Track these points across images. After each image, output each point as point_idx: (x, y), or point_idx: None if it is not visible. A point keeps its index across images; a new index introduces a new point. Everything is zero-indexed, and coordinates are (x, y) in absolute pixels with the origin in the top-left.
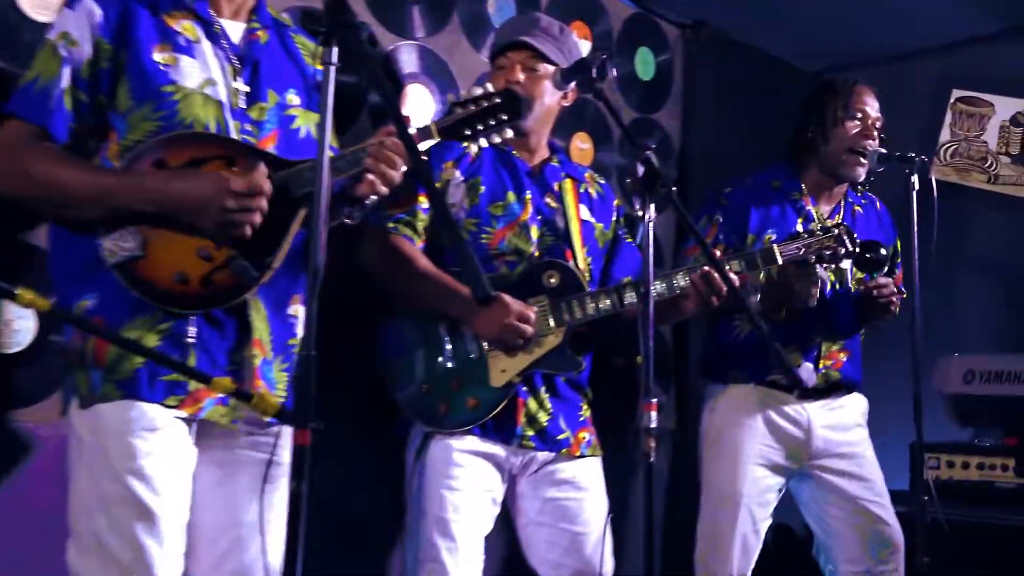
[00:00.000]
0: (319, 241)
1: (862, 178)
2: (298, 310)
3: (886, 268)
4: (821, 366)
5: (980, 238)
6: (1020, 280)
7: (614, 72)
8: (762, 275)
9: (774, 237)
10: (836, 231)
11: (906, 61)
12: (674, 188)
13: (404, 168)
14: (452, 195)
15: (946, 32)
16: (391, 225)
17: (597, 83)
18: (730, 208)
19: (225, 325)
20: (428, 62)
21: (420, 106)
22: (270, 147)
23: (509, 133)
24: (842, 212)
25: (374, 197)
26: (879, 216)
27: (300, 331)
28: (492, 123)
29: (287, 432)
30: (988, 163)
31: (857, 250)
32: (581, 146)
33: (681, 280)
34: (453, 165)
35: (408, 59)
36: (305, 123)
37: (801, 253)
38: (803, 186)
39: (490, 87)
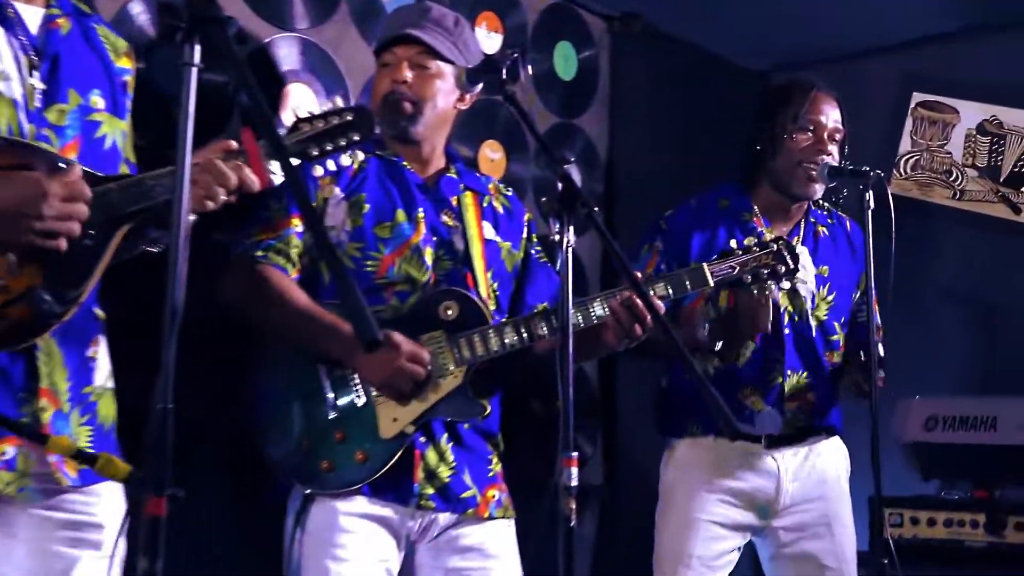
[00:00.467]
0: (178, 273)
1: (817, 195)
2: (98, 352)
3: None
4: (786, 409)
5: (945, 262)
6: (990, 310)
7: (529, 70)
8: (709, 307)
9: None
10: (774, 246)
11: (861, 59)
12: (596, 209)
13: (236, 185)
14: (331, 216)
15: (906, 28)
16: (259, 253)
17: (508, 85)
18: (671, 234)
19: (9, 371)
20: (311, 57)
21: (302, 109)
22: (72, 157)
23: (360, 156)
24: (801, 234)
25: (192, 217)
26: (849, 238)
27: (100, 377)
28: (343, 143)
29: (107, 491)
30: (953, 177)
31: (799, 268)
32: (491, 156)
33: (599, 308)
34: (331, 181)
35: (288, 54)
36: (111, 131)
37: (735, 272)
38: (754, 205)
39: (339, 101)
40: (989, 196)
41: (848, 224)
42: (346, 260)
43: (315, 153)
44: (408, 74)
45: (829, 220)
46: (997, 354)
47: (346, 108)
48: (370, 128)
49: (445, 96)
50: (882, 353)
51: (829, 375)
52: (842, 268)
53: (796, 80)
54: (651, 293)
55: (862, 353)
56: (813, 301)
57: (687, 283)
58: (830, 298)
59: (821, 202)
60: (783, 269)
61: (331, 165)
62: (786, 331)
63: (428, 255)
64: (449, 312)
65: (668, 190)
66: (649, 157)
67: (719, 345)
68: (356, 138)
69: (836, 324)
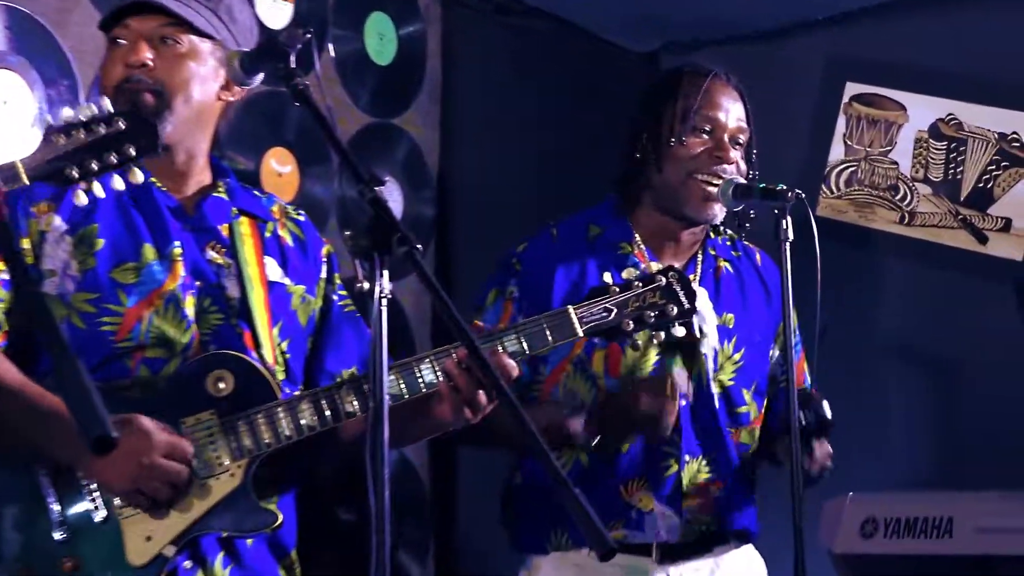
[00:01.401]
0: None
1: (717, 218)
2: None
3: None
4: (684, 508)
5: (889, 307)
6: (949, 371)
7: (331, 52)
8: (576, 375)
9: None
10: (662, 280)
11: (776, 39)
12: (419, 247)
13: None
14: (50, 257)
15: None
16: None
17: (297, 75)
18: (527, 274)
19: None
20: (24, 34)
21: (10, 108)
22: None
23: (139, 176)
24: (698, 271)
25: None
26: (760, 276)
27: None
28: (114, 160)
29: None
30: (900, 194)
31: (695, 308)
32: (279, 169)
33: (429, 373)
34: (50, 207)
35: None
36: None
37: (610, 317)
38: (635, 233)
39: (107, 105)
40: (947, 220)
41: (759, 258)
42: (74, 318)
43: (75, 175)
44: (148, 54)
45: (734, 253)
46: (957, 431)
47: (118, 113)
48: (153, 140)
49: (203, 83)
50: (828, 413)
51: (739, 461)
52: (753, 317)
53: (686, 66)
54: (499, 350)
55: (803, 415)
56: (716, 361)
57: (548, 334)
58: (737, 357)
59: (723, 229)
60: (675, 310)
61: (98, 191)
62: (681, 402)
63: (189, 306)
64: (221, 385)
65: (521, 214)
66: (496, 169)
67: (597, 440)
68: (132, 153)
69: (745, 392)
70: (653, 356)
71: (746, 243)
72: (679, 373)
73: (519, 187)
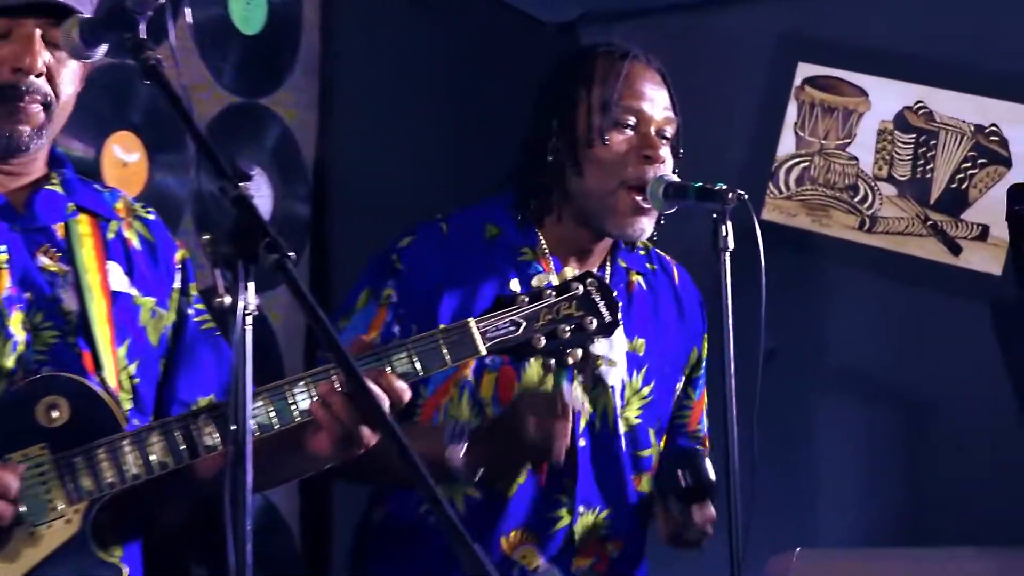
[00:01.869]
0: None
1: (645, 235)
2: None
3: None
4: (575, 569)
5: (846, 330)
6: (915, 407)
7: (188, 18)
8: (464, 398)
9: None
10: (579, 287)
11: (716, 9)
12: (292, 254)
13: None
14: None
15: None
16: None
17: (147, 48)
18: (410, 276)
19: None
20: None
21: None
22: None
23: None
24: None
25: None
26: (676, 295)
27: None
28: None
29: None
30: (860, 195)
31: (618, 320)
32: (124, 157)
33: (303, 398)
34: None
35: None
36: None
37: (518, 332)
38: (540, 237)
39: None
40: (914, 226)
41: (676, 273)
42: None
43: None
44: (44, 58)
45: (648, 266)
46: (924, 476)
47: None
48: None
49: (77, 84)
50: (711, 474)
51: (637, 515)
52: (666, 344)
53: (599, 46)
54: (388, 371)
55: (681, 475)
56: (623, 395)
57: (445, 351)
58: (646, 391)
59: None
60: (594, 323)
61: None
62: (581, 442)
63: (16, 323)
64: (54, 414)
65: (415, 212)
66: (385, 160)
67: (480, 472)
68: None
69: (651, 431)
70: (551, 384)
71: (661, 254)
72: (572, 389)
73: (412, 181)
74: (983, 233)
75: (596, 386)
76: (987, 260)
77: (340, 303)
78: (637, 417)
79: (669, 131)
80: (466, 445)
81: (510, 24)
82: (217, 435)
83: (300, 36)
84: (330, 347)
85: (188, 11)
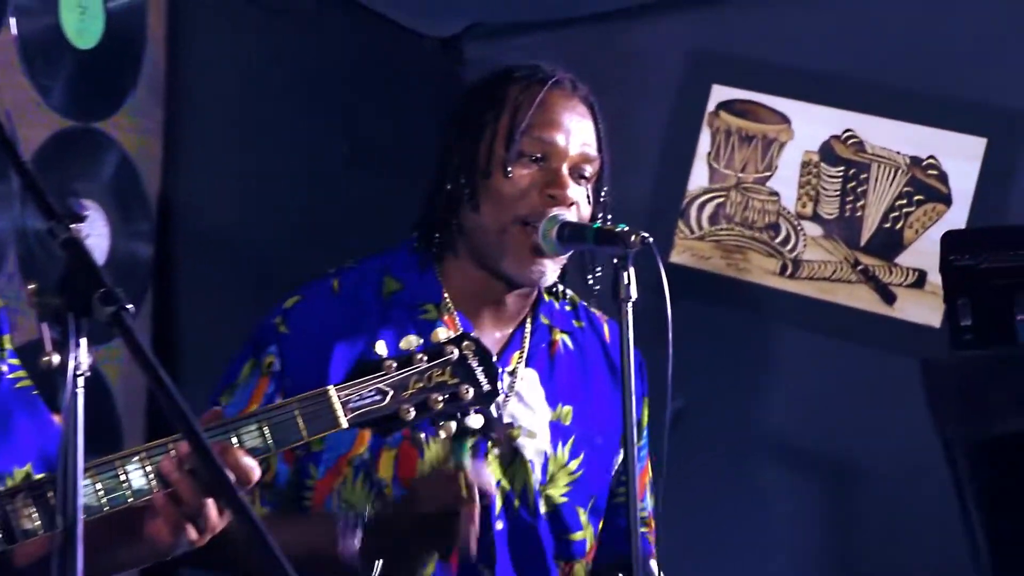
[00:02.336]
0: None
1: (546, 279)
2: None
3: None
4: None
5: (767, 385)
6: (840, 467)
7: (12, 31)
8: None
9: None
10: (452, 351)
11: (619, 25)
12: (131, 307)
13: None
14: None
15: None
16: None
17: None
18: (296, 341)
19: None
20: None
21: None
22: None
23: None
24: (526, 347)
25: None
26: (607, 355)
27: None
28: None
29: None
30: (782, 236)
31: (501, 392)
32: None
33: (137, 475)
34: None
35: None
36: None
37: (385, 402)
38: (445, 292)
39: None
40: (843, 271)
41: (607, 331)
42: None
43: None
44: None
45: (575, 323)
46: (853, 549)
47: None
48: None
49: None
50: (654, 571)
51: None
52: (597, 411)
53: (518, 69)
54: (235, 445)
55: None
56: (545, 470)
57: (300, 423)
58: (573, 465)
59: (562, 289)
60: (470, 393)
61: None
62: (498, 525)
63: None
64: None
65: (276, 254)
66: (241, 194)
67: (378, 567)
68: None
69: (581, 512)
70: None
71: (591, 310)
72: (478, 465)
73: (273, 218)
74: (920, 279)
75: (514, 460)
76: (925, 310)
77: (218, 381)
78: (563, 495)
79: (588, 170)
80: (361, 536)
81: (386, 38)
82: (38, 517)
83: (143, 51)
84: (172, 413)
85: (12, 21)
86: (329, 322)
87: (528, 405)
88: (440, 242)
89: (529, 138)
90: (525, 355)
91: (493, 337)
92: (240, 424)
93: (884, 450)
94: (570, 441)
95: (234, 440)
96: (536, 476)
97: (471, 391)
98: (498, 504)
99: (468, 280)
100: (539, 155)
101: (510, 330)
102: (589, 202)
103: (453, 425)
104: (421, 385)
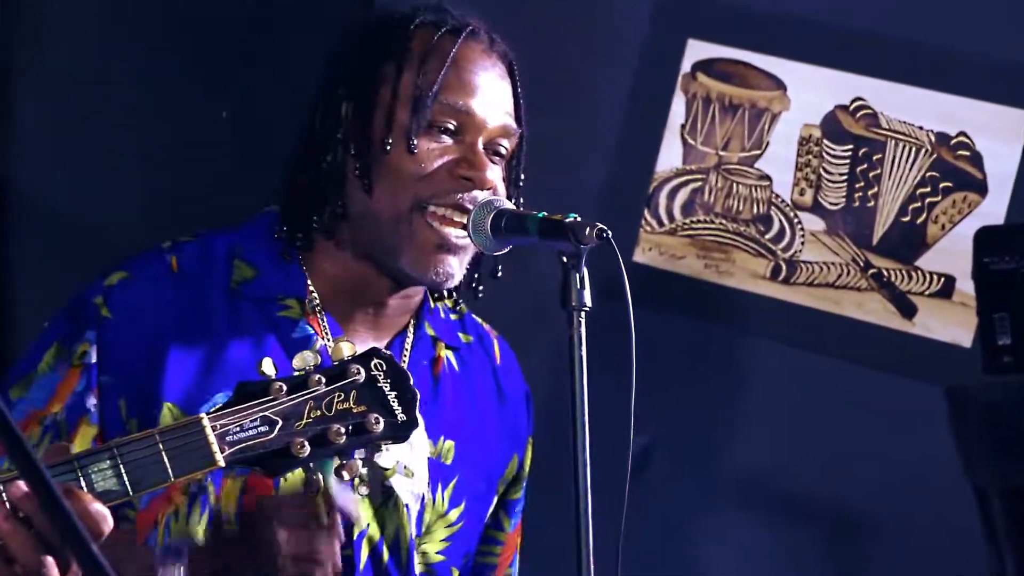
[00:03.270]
0: None
1: (452, 281)
2: None
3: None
4: None
5: (756, 416)
6: (846, 517)
7: None
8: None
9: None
10: (358, 371)
11: None
12: None
13: None
14: None
15: None
16: None
17: None
18: (118, 328)
19: None
20: None
21: None
22: None
23: None
24: (405, 361)
25: None
26: (496, 376)
27: None
28: None
29: None
30: (774, 230)
31: (415, 420)
32: None
33: None
34: None
35: None
36: None
37: (272, 435)
38: (311, 285)
39: None
40: (850, 275)
41: (497, 349)
42: None
43: None
44: None
45: (462, 336)
46: None
47: None
48: None
49: None
50: None
51: None
52: (483, 449)
53: (421, 12)
54: (81, 489)
55: None
56: (421, 519)
57: (167, 463)
58: (454, 515)
59: (446, 293)
60: (380, 425)
61: None
62: (361, 564)
63: None
64: None
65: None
66: (85, 166)
67: None
68: None
69: (455, 573)
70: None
71: (478, 321)
72: (343, 488)
73: (130, 201)
74: (946, 287)
75: (386, 502)
76: (952, 325)
77: (11, 370)
78: (439, 552)
79: (505, 145)
80: (184, 568)
81: None
82: None
83: None
84: (5, 441)
85: None
86: (164, 310)
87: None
88: (309, 225)
89: (440, 105)
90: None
91: (366, 345)
92: (89, 460)
93: (897, 495)
94: (451, 484)
95: (81, 481)
96: (410, 527)
97: (381, 421)
98: (363, 555)
99: (344, 273)
100: (451, 126)
101: (387, 339)
102: (506, 186)
103: (358, 465)
104: (319, 414)
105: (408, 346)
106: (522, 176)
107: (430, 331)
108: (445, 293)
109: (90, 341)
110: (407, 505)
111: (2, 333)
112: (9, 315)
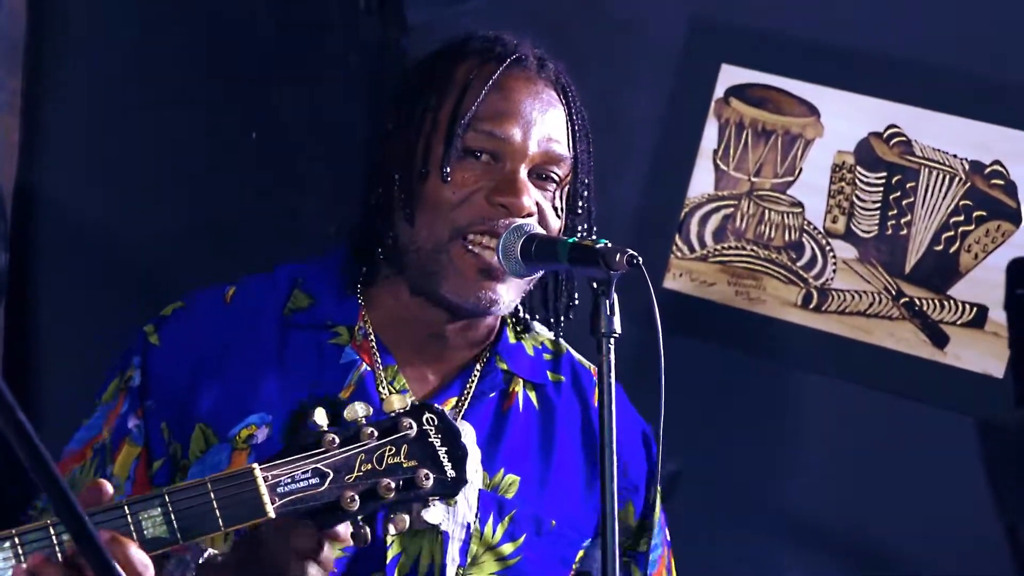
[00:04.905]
0: None
1: (500, 305)
2: None
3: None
4: None
5: (789, 447)
6: (880, 552)
7: None
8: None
9: (266, 438)
10: (410, 427)
11: None
12: None
13: None
14: None
15: None
16: None
17: None
18: (164, 355)
19: None
20: None
21: None
22: None
23: None
24: (468, 396)
25: None
26: (590, 422)
27: None
28: None
29: None
30: (806, 258)
31: (465, 478)
32: None
33: (2, 566)
34: None
35: None
36: None
37: (323, 487)
38: (364, 315)
39: None
40: (883, 304)
41: (583, 385)
42: None
43: None
44: None
45: (551, 376)
46: None
47: None
48: None
49: None
50: None
51: None
52: (559, 488)
53: (470, 40)
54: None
55: None
56: (466, 549)
57: (217, 513)
58: (508, 548)
59: (530, 323)
60: (429, 480)
61: None
62: None
63: None
64: None
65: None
66: (115, 184)
67: None
68: None
69: None
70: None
71: (580, 360)
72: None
73: (158, 218)
74: (979, 317)
75: (421, 530)
76: (984, 356)
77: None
78: None
79: (556, 172)
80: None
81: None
82: None
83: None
84: (40, 478)
85: None
86: (211, 338)
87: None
88: (374, 260)
89: (475, 132)
90: (464, 405)
91: (423, 376)
92: (140, 507)
93: (928, 530)
94: (507, 518)
95: (131, 528)
96: (453, 555)
97: (431, 478)
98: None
99: (400, 304)
100: (488, 152)
101: (451, 370)
102: (559, 213)
103: (407, 519)
104: (369, 467)
105: (473, 380)
106: (580, 204)
107: (502, 364)
108: (531, 324)
109: (135, 366)
110: (446, 532)
111: (28, 343)
112: (35, 325)
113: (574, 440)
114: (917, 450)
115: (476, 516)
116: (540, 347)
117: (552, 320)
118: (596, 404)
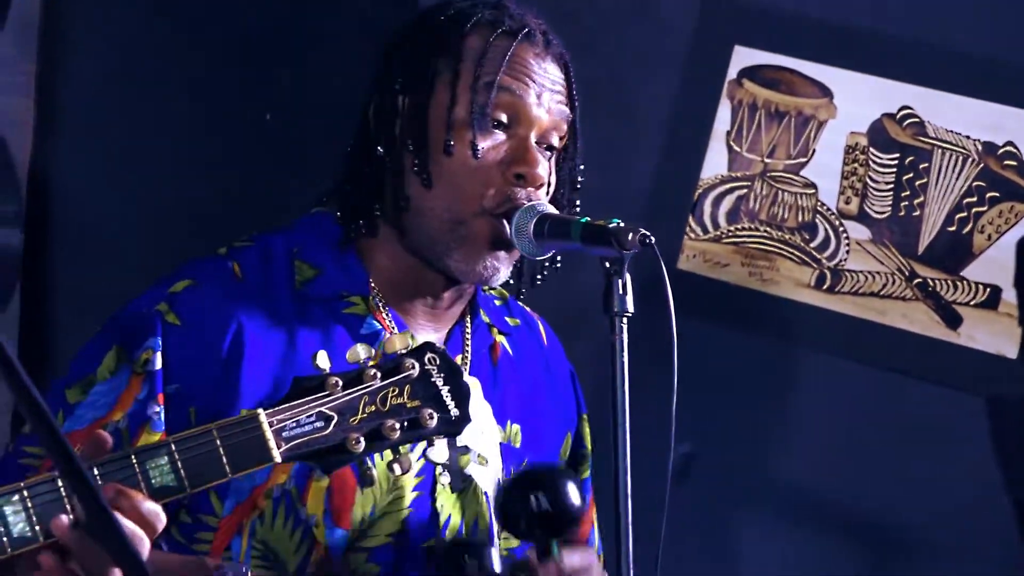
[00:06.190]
0: None
1: (497, 277)
2: None
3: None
4: None
5: (800, 427)
6: (891, 534)
7: None
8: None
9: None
10: (412, 367)
11: None
12: None
13: None
14: None
15: None
16: None
17: None
18: (188, 336)
19: None
20: None
21: None
22: None
23: None
24: (468, 352)
25: None
26: (545, 359)
27: None
28: None
29: None
30: (820, 239)
31: (468, 416)
32: None
33: (18, 520)
34: None
35: None
36: None
37: (328, 430)
38: (372, 282)
39: None
40: (895, 285)
41: (543, 332)
42: None
43: None
44: None
45: (510, 320)
46: None
47: None
48: None
49: None
50: (575, 498)
51: None
52: (542, 431)
53: (479, 9)
54: (137, 488)
55: (534, 499)
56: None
57: (223, 458)
58: None
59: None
60: (434, 420)
61: None
62: None
63: None
64: None
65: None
66: (129, 167)
67: None
68: None
69: None
70: (410, 490)
71: (521, 305)
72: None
73: (172, 202)
74: (992, 298)
75: (465, 488)
76: (997, 336)
77: (69, 368)
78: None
79: (556, 140)
80: None
81: None
82: None
83: None
84: (48, 445)
85: None
86: (233, 317)
87: (479, 429)
88: (374, 215)
89: (490, 101)
90: (468, 361)
91: (429, 337)
92: (146, 456)
93: (941, 510)
94: (523, 466)
95: (139, 477)
96: (491, 515)
97: (435, 417)
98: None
99: (399, 268)
100: (505, 119)
101: (446, 330)
102: (558, 183)
103: (413, 459)
104: (373, 409)
105: (467, 335)
106: (578, 172)
107: (485, 318)
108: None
109: (153, 348)
110: (486, 492)
111: (43, 334)
112: (51, 316)
113: (539, 379)
114: (930, 430)
115: (502, 471)
116: (490, 296)
117: (515, 280)
118: (546, 342)
